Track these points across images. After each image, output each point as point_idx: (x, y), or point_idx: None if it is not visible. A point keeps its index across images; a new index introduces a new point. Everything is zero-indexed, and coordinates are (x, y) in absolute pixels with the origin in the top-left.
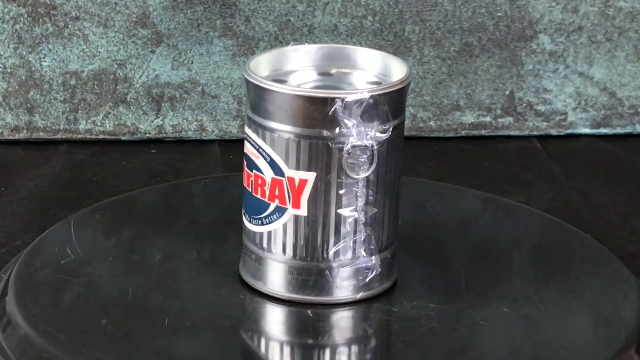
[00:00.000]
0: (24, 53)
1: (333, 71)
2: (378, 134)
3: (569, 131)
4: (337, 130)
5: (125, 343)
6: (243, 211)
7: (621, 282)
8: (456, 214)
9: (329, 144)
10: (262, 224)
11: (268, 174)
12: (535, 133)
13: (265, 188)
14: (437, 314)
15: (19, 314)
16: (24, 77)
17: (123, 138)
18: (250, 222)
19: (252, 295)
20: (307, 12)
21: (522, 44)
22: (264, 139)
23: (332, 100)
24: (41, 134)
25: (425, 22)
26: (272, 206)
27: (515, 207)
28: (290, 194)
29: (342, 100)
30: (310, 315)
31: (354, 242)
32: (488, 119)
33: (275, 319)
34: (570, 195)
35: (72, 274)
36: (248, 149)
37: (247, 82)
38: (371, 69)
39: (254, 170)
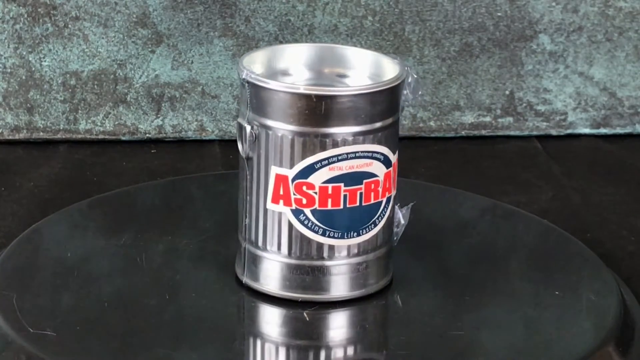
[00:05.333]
0: (24, 53)
1: (326, 70)
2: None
3: (569, 131)
4: (406, 102)
5: (120, 342)
6: (317, 231)
7: (605, 285)
8: (453, 217)
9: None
10: (375, 226)
11: (381, 172)
12: (535, 133)
13: (379, 188)
14: (435, 314)
15: None
16: (24, 77)
17: (123, 138)
18: (353, 235)
19: (248, 294)
20: (307, 12)
21: (522, 44)
22: (377, 141)
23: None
24: (41, 134)
25: (425, 22)
26: (384, 201)
27: (512, 212)
28: (394, 179)
29: (410, 77)
30: (306, 313)
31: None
32: (488, 119)
33: (271, 317)
34: (570, 195)
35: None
36: (350, 165)
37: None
38: (363, 67)
39: (364, 181)
